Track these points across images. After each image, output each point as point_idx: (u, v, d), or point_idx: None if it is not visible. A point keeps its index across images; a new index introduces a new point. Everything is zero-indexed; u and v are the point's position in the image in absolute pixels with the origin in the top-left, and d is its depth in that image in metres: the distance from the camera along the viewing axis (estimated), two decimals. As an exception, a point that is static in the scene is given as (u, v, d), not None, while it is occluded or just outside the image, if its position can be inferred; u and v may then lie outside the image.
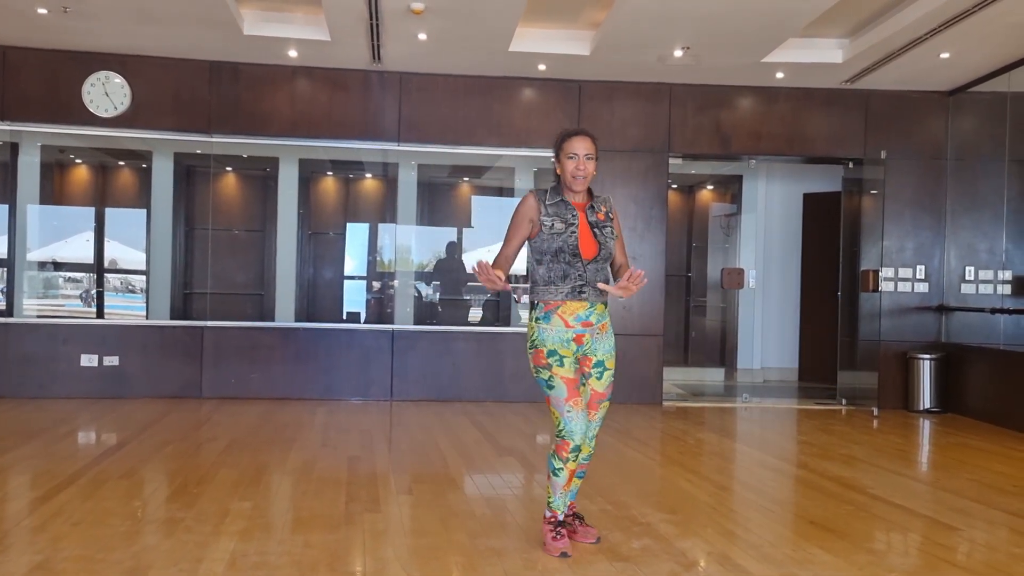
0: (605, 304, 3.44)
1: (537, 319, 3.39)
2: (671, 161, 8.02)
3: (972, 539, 3.74)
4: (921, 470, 5.48)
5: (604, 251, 3.40)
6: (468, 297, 9.21)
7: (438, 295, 9.12)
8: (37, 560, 3.13)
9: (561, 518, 3.44)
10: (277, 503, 4.09)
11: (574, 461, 3.37)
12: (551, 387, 3.35)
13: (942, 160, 8.02)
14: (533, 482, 4.70)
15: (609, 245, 3.42)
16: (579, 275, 3.36)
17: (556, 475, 3.39)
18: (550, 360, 3.34)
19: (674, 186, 10.54)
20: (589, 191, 3.52)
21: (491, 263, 3.32)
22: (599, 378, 3.42)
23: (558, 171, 3.47)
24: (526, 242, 3.48)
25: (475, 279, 9.11)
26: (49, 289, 8.49)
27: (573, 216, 3.40)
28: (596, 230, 3.41)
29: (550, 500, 3.44)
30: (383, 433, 6.13)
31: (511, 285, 9.15)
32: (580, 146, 3.41)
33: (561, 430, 3.35)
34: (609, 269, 3.49)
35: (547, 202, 3.44)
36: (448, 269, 9.14)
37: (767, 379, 9.90)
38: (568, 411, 3.33)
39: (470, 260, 9.15)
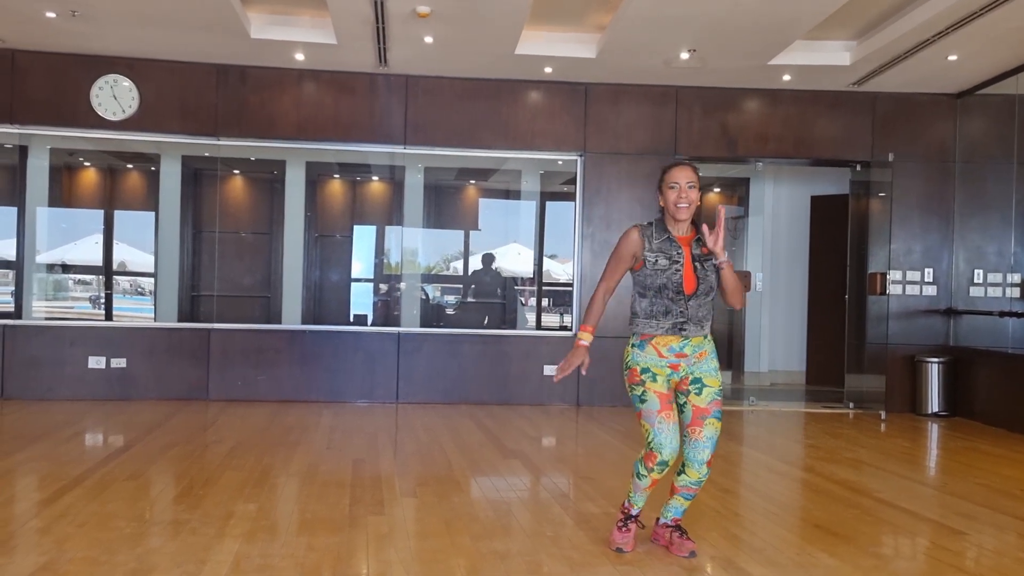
0: (705, 336, 3.43)
1: (633, 345, 3.44)
2: (678, 164, 7.98)
3: (980, 544, 3.72)
4: (928, 474, 5.45)
5: (704, 285, 3.39)
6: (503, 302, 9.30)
7: (452, 299, 9.19)
8: (42, 561, 3.14)
9: (636, 513, 3.46)
10: (282, 505, 4.09)
11: (659, 473, 3.35)
12: (643, 401, 3.36)
13: (950, 163, 7.98)
14: (538, 485, 4.70)
15: (710, 279, 3.41)
16: (680, 312, 3.36)
17: (639, 479, 3.40)
18: (643, 376, 3.37)
19: (681, 189, 10.50)
20: (695, 224, 3.48)
21: (593, 297, 3.52)
22: (698, 393, 3.37)
23: (661, 203, 3.45)
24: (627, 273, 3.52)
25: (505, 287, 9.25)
26: (58, 291, 8.53)
27: (679, 253, 3.40)
28: (697, 264, 3.40)
29: (630, 496, 3.47)
30: (388, 436, 6.13)
31: (521, 287, 9.16)
32: (681, 175, 3.38)
33: (650, 442, 3.34)
34: (709, 303, 3.44)
35: (653, 238, 3.43)
36: (483, 279, 9.20)
37: (774, 382, 9.86)
38: (659, 423, 3.32)
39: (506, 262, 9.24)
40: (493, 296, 9.22)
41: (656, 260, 3.39)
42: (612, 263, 3.49)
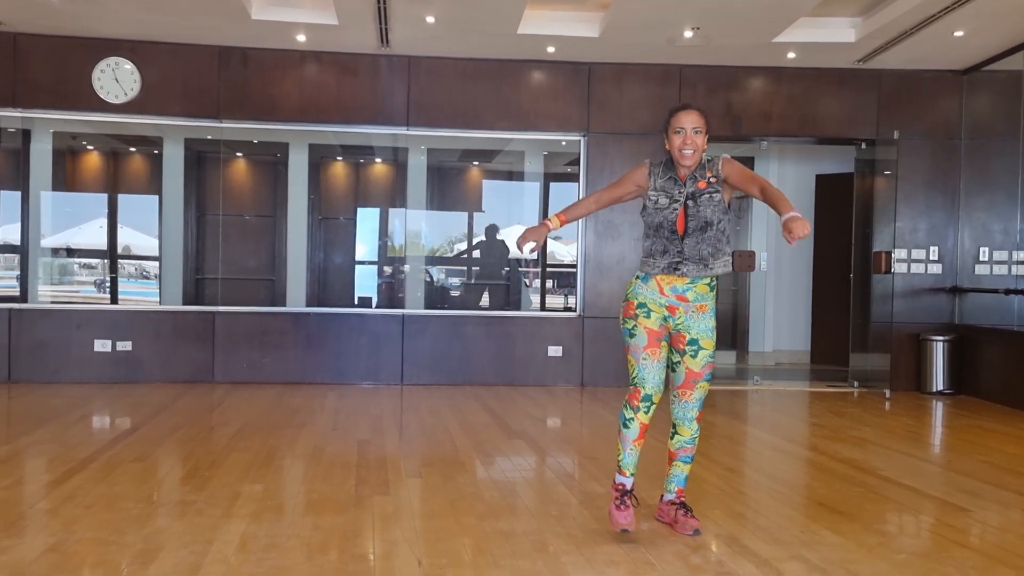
0: (709, 285, 3.38)
1: (637, 277, 3.44)
2: (681, 143, 7.94)
3: (984, 521, 3.72)
4: (933, 452, 5.45)
5: (693, 223, 3.33)
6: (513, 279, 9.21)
7: (457, 280, 9.15)
8: (51, 542, 3.17)
9: (629, 485, 3.38)
10: (288, 486, 4.11)
11: (645, 413, 3.33)
12: (632, 335, 3.35)
13: (956, 140, 7.94)
14: (543, 466, 4.71)
15: (702, 215, 3.32)
16: (677, 251, 3.33)
17: (626, 426, 3.37)
18: (638, 311, 3.36)
19: (685, 169, 10.47)
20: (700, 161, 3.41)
21: (584, 197, 3.49)
22: (694, 356, 3.36)
23: (667, 146, 3.39)
24: (640, 209, 3.49)
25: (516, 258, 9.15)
26: (63, 275, 8.55)
27: (680, 192, 3.37)
28: (689, 201, 3.35)
29: (619, 458, 3.40)
30: (393, 417, 6.15)
31: (525, 269, 9.14)
32: (687, 120, 3.32)
33: (634, 377, 3.35)
34: (712, 239, 3.33)
35: (659, 176, 3.42)
36: (490, 251, 9.13)
37: (779, 362, 9.86)
38: (644, 359, 3.32)
39: (511, 236, 9.14)
40: (498, 271, 9.19)
41: (657, 199, 3.39)
42: (614, 183, 3.55)
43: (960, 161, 7.94)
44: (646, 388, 3.32)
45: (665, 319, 3.37)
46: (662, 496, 3.58)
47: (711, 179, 3.37)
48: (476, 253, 9.33)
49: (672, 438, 3.49)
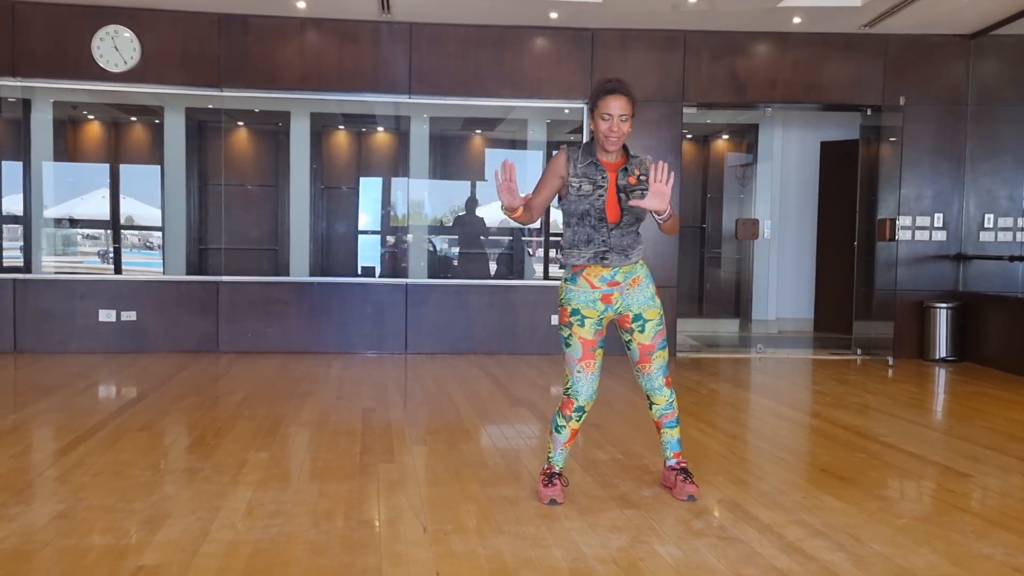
0: (636, 262, 3.38)
1: (566, 279, 3.40)
2: (685, 111, 7.91)
3: (985, 486, 3.75)
4: (935, 418, 5.47)
5: (628, 216, 3.33)
6: (487, 251, 9.19)
7: (456, 250, 9.11)
8: (60, 509, 3.20)
9: (557, 471, 3.46)
10: (293, 454, 4.15)
11: (576, 421, 3.40)
12: (568, 345, 3.37)
13: (962, 106, 7.87)
14: (547, 433, 4.74)
15: (635, 210, 3.33)
16: (603, 240, 3.31)
17: (557, 432, 3.43)
18: (572, 319, 3.35)
19: (688, 136, 10.42)
20: (625, 149, 3.40)
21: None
22: (642, 331, 3.38)
23: (592, 127, 3.35)
24: (557, 199, 3.44)
25: (492, 232, 9.12)
26: (67, 246, 8.56)
27: (603, 178, 3.32)
28: (622, 195, 3.33)
29: (549, 455, 3.48)
30: (397, 386, 6.18)
31: (528, 238, 9.14)
32: (615, 106, 3.24)
33: (568, 388, 3.39)
34: (635, 232, 3.38)
35: (578, 162, 3.34)
36: (467, 223, 9.11)
37: (782, 330, 9.88)
38: (578, 372, 3.35)
39: (488, 213, 9.12)
40: (476, 245, 9.17)
41: (580, 185, 3.32)
42: (540, 182, 3.41)
43: (966, 127, 7.88)
44: (579, 400, 3.36)
45: (601, 317, 3.36)
46: (664, 462, 3.60)
47: (640, 176, 3.35)
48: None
49: (651, 408, 3.52)
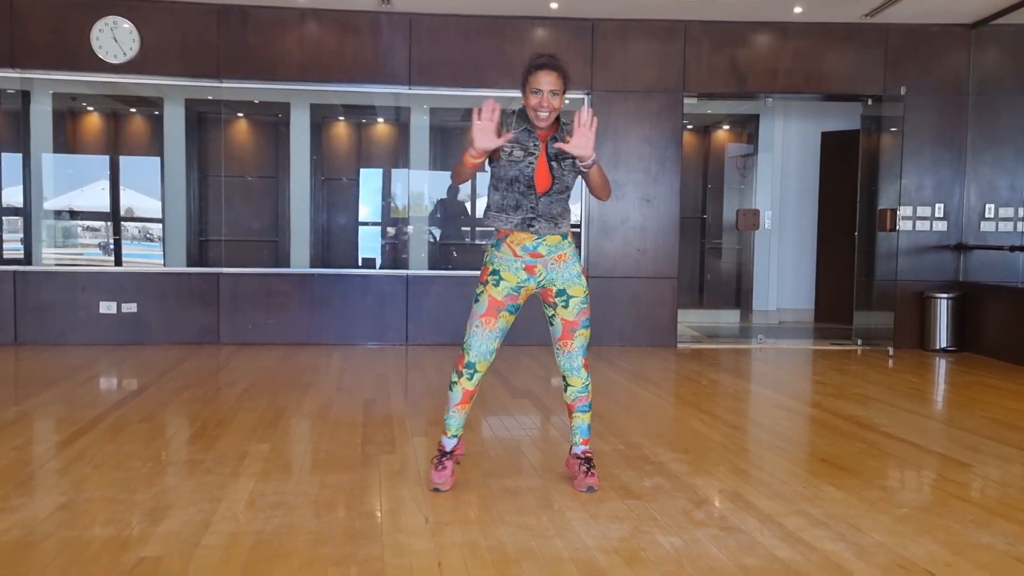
0: (564, 236, 3.36)
1: (491, 245, 3.40)
2: (686, 101, 7.89)
3: (985, 476, 3.75)
4: (935, 408, 5.48)
5: (558, 185, 3.31)
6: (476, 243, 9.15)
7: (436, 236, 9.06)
8: (62, 501, 3.21)
9: (449, 447, 3.43)
10: (295, 445, 4.15)
11: (468, 379, 3.36)
12: (476, 300, 3.37)
13: (963, 95, 7.85)
14: (547, 424, 4.75)
15: (565, 179, 3.32)
16: (531, 207, 3.29)
17: (451, 389, 3.41)
18: (489, 278, 3.34)
19: (689, 126, 10.40)
20: (558, 119, 3.37)
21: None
22: (565, 306, 3.37)
23: (524, 101, 3.32)
24: (487, 162, 3.36)
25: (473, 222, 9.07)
26: (67, 238, 8.55)
27: (535, 146, 3.29)
28: (553, 163, 3.30)
29: (444, 418, 3.44)
30: (398, 377, 6.18)
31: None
32: (545, 81, 3.23)
33: (464, 342, 3.39)
34: (564, 200, 3.35)
35: (512, 127, 3.30)
36: (449, 210, 9.07)
37: (783, 320, 9.88)
38: (477, 326, 3.35)
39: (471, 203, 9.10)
40: (458, 231, 9.11)
41: (511, 151, 3.28)
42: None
43: (967, 117, 7.86)
44: (470, 355, 3.35)
45: (521, 285, 3.34)
46: (570, 449, 3.59)
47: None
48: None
49: (566, 391, 3.51)
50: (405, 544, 2.83)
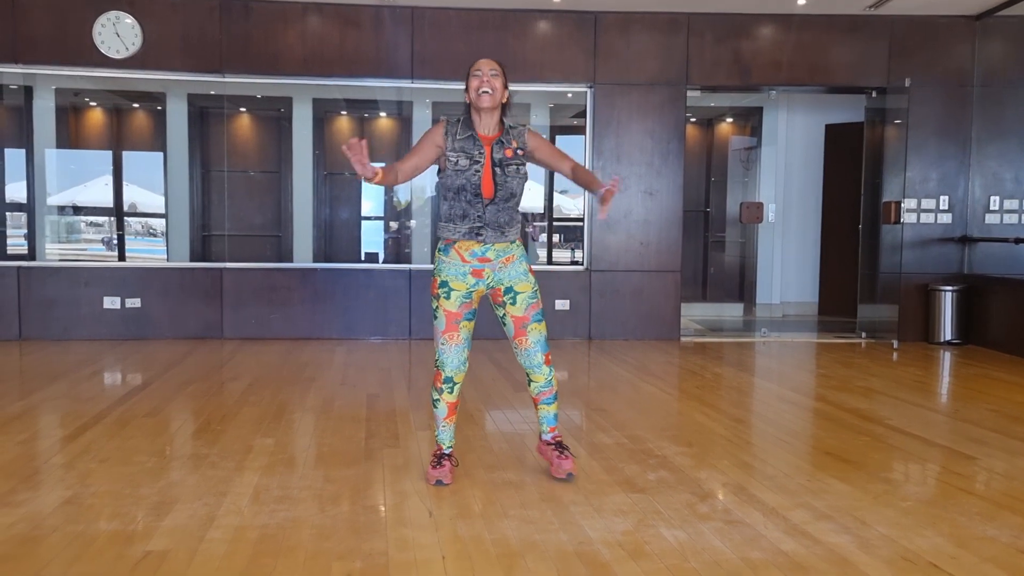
0: (512, 241, 3.38)
1: (439, 250, 3.41)
2: (689, 94, 7.87)
3: (990, 468, 3.74)
4: (940, 401, 5.47)
5: (502, 192, 3.31)
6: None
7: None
8: (67, 495, 3.22)
9: (445, 450, 3.48)
10: (299, 439, 4.16)
11: (449, 393, 3.41)
12: (435, 317, 3.39)
13: (968, 87, 7.82)
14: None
15: (510, 186, 3.31)
16: (478, 216, 3.30)
17: (435, 407, 3.46)
18: (440, 291, 3.36)
19: (692, 119, 10.38)
20: (502, 123, 3.38)
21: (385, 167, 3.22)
22: (513, 303, 3.38)
23: (467, 98, 3.34)
24: (437, 171, 3.40)
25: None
26: (71, 233, 8.56)
27: (480, 153, 3.30)
28: (498, 169, 3.30)
29: (436, 434, 3.51)
30: (402, 371, 6.19)
31: (535, 224, 9.11)
32: (484, 64, 3.31)
33: (436, 360, 3.42)
34: (511, 209, 3.34)
35: (456, 136, 3.31)
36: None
37: (786, 314, 9.87)
38: (443, 343, 3.38)
39: None
40: None
41: (457, 160, 3.29)
42: (413, 148, 3.39)
43: (972, 109, 7.83)
44: (445, 371, 3.38)
45: (471, 290, 3.35)
46: (540, 435, 3.61)
47: (517, 150, 3.34)
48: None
49: (529, 385, 3.54)
50: (409, 538, 2.83)
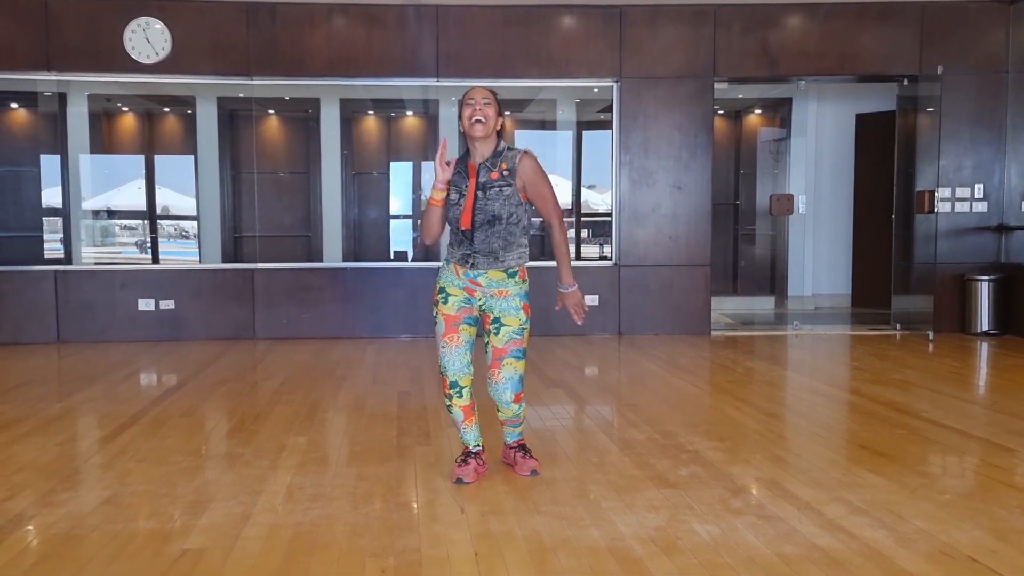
0: (508, 272, 3.36)
1: (442, 264, 3.48)
2: (717, 86, 7.81)
3: (1029, 461, 3.68)
4: (978, 393, 5.38)
5: (481, 216, 3.28)
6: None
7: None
8: (106, 495, 3.27)
9: (472, 451, 3.49)
10: (331, 438, 4.19)
11: (459, 397, 3.40)
12: (436, 323, 3.43)
13: (1002, 73, 7.68)
14: (582, 414, 4.74)
15: (491, 208, 3.27)
16: (468, 243, 3.33)
17: (450, 412, 3.48)
18: (439, 297, 3.41)
19: (720, 112, 10.29)
20: (497, 149, 3.35)
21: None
22: (496, 333, 3.37)
23: (461, 129, 3.34)
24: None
25: None
26: (105, 237, 8.70)
27: (466, 187, 3.32)
28: (480, 192, 3.29)
29: (460, 436, 3.53)
30: (432, 369, 6.20)
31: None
32: (476, 93, 3.32)
33: (440, 366, 3.43)
34: (503, 233, 3.31)
35: (456, 170, 3.37)
36: None
37: (818, 306, 9.76)
38: (444, 347, 3.39)
39: None
40: None
41: (450, 194, 3.36)
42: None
43: (1007, 95, 7.69)
44: (448, 375, 3.39)
45: (467, 299, 3.39)
46: (504, 441, 3.65)
47: (504, 171, 3.30)
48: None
49: (498, 411, 3.51)
50: (442, 535, 2.85)
